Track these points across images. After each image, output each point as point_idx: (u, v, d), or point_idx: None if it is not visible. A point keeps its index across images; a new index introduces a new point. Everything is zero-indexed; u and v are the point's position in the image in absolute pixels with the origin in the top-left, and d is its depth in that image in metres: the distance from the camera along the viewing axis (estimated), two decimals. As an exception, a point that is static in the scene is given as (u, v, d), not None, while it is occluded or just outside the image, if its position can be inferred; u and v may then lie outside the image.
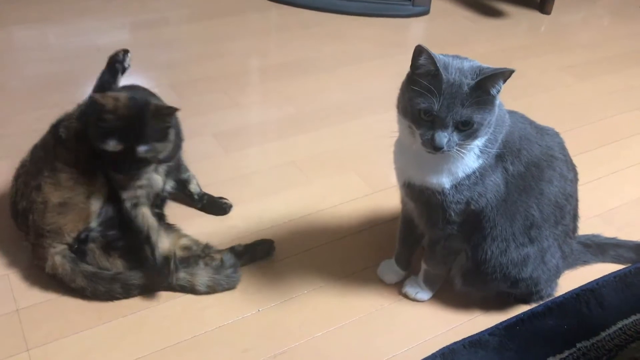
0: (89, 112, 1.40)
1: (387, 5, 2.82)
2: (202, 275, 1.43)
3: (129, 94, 1.38)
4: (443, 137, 1.11)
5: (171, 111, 1.37)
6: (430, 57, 1.10)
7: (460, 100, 1.10)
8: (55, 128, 1.47)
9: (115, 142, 1.33)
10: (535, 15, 3.02)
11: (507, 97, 2.45)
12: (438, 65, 1.10)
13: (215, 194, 1.71)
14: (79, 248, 1.39)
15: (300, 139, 2.00)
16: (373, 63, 2.48)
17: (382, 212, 1.71)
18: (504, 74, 1.10)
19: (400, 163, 1.30)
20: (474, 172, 1.22)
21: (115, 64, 1.56)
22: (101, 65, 2.35)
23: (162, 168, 1.52)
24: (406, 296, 1.47)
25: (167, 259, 1.41)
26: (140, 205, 1.44)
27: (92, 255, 1.40)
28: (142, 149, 1.35)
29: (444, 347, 1.34)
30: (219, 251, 1.50)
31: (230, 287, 1.44)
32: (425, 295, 1.46)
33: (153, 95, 1.54)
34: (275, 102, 2.21)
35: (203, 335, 1.34)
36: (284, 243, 1.59)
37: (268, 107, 2.19)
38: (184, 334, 1.33)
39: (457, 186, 1.22)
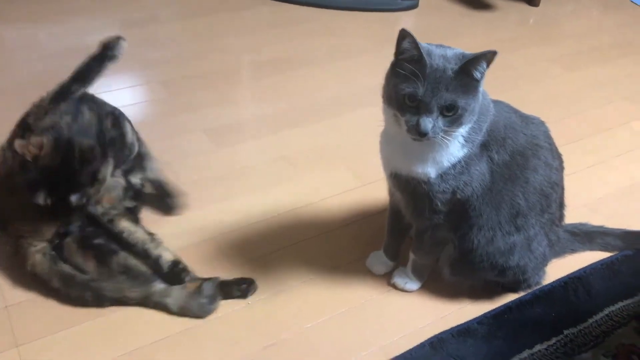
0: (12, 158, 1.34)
1: (376, -1, 2.83)
2: (176, 295, 1.38)
3: (54, 136, 1.31)
4: (428, 123, 1.12)
5: (97, 155, 1.33)
6: (414, 41, 1.12)
7: (444, 84, 1.11)
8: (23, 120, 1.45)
9: (44, 195, 1.29)
10: (523, 7, 3.03)
11: (497, 88, 2.45)
12: (421, 50, 1.11)
13: (206, 190, 1.72)
14: (59, 243, 1.38)
15: (291, 134, 2.01)
16: (363, 57, 2.49)
17: (372, 205, 1.72)
18: (487, 56, 1.11)
19: (386, 153, 1.30)
20: (459, 161, 1.22)
21: (107, 52, 1.51)
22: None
23: (117, 172, 1.49)
24: (395, 287, 1.48)
25: (175, 262, 1.41)
26: (115, 218, 1.41)
27: (68, 249, 1.38)
28: (74, 198, 1.32)
29: (432, 337, 1.35)
30: (195, 279, 1.41)
31: (200, 316, 1.37)
32: (414, 285, 1.47)
33: (111, 113, 1.49)
34: (267, 98, 2.21)
35: (193, 329, 1.34)
36: (273, 236, 1.60)
37: (259, 102, 2.20)
38: (174, 328, 1.34)
39: (442, 175, 1.23)
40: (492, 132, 1.26)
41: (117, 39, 1.52)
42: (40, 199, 1.29)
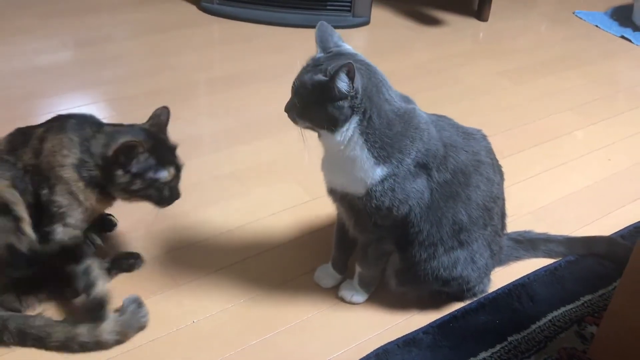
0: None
1: (327, 16, 2.85)
2: (107, 323, 1.31)
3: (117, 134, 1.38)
4: (289, 101, 1.28)
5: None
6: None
7: (298, 79, 1.28)
8: None
9: (172, 168, 1.41)
10: (473, 22, 3.10)
11: (446, 100, 2.48)
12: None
13: (152, 208, 1.69)
14: None
15: (239, 150, 2.00)
16: (314, 73, 2.50)
17: (321, 218, 1.72)
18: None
19: (324, 169, 1.32)
20: (385, 179, 1.23)
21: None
22: (42, 86, 2.30)
23: None
24: (342, 299, 1.48)
25: (101, 303, 1.31)
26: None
27: None
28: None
29: (378, 348, 1.35)
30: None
31: (142, 324, 1.35)
32: (360, 297, 1.47)
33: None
34: (215, 115, 2.21)
35: (134, 350, 1.32)
36: (221, 253, 1.59)
37: (208, 119, 2.19)
38: (114, 349, 1.31)
39: (370, 192, 1.24)
40: (429, 151, 1.26)
41: None
42: (168, 173, 1.41)
